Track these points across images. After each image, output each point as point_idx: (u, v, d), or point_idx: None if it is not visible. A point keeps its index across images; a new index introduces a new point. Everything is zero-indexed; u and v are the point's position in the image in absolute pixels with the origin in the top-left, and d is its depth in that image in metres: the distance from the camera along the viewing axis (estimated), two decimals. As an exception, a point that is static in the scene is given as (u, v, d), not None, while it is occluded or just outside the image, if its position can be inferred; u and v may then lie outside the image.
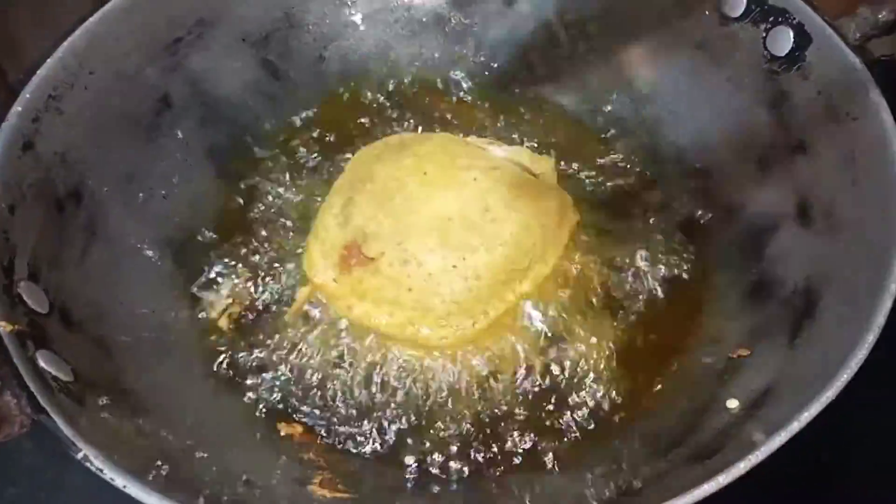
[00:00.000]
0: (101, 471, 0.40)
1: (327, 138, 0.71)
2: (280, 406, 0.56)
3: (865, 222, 0.52)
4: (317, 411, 0.56)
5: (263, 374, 0.57)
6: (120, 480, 0.39)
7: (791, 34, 0.59)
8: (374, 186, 0.62)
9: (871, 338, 0.44)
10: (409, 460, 0.53)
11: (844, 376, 0.42)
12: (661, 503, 0.38)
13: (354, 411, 0.56)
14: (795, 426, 0.40)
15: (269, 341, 0.59)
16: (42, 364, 0.44)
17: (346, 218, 0.61)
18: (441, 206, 0.60)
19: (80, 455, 0.40)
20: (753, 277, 0.58)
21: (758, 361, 0.52)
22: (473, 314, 0.58)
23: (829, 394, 0.41)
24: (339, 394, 0.56)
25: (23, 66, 0.56)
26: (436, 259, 0.58)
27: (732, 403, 0.49)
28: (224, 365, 0.58)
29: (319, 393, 0.56)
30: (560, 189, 0.66)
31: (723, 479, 0.39)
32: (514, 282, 0.60)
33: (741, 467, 0.39)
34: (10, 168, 0.51)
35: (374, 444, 0.54)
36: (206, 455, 0.47)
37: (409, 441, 0.54)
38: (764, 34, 0.61)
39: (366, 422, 0.55)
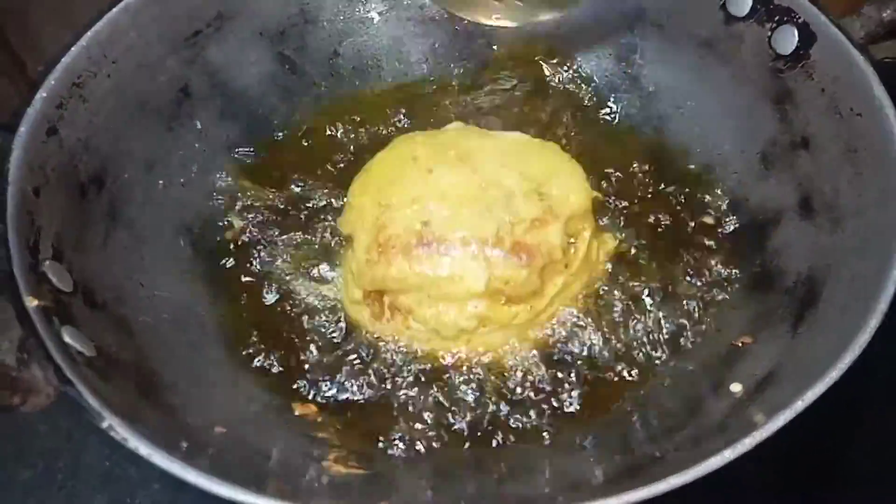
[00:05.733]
0: (126, 440, 0.41)
1: (342, 133, 0.73)
2: (296, 386, 0.57)
3: (868, 214, 0.53)
4: (332, 393, 0.57)
5: (281, 355, 0.59)
6: (144, 450, 0.40)
7: (796, 33, 0.61)
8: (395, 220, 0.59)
9: (874, 322, 0.45)
10: (420, 439, 0.54)
11: (848, 358, 0.43)
12: (665, 477, 0.39)
13: (368, 393, 0.57)
14: (800, 405, 0.41)
15: (287, 323, 0.61)
16: (67, 339, 0.45)
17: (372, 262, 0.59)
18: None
19: (104, 424, 0.41)
20: (756, 268, 0.60)
21: (761, 348, 0.53)
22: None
23: (833, 374, 0.42)
24: (353, 376, 0.58)
25: (43, 59, 0.57)
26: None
27: (736, 388, 0.50)
28: (242, 346, 0.59)
29: (335, 375, 0.58)
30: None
31: (729, 454, 0.40)
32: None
33: (747, 443, 0.40)
34: (34, 152, 0.52)
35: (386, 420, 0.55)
36: (224, 431, 0.48)
37: (421, 419, 0.55)
38: (769, 33, 0.63)
39: (379, 402, 0.56)
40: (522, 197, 0.58)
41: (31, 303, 0.45)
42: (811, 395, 0.42)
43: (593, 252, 0.61)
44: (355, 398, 0.57)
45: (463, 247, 0.56)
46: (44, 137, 0.53)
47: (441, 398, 0.56)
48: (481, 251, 0.56)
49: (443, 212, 0.57)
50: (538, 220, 0.57)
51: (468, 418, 0.55)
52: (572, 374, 0.57)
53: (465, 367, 0.58)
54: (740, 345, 0.54)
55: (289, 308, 0.61)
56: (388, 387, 0.57)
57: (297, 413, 0.55)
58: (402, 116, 0.74)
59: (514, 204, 0.57)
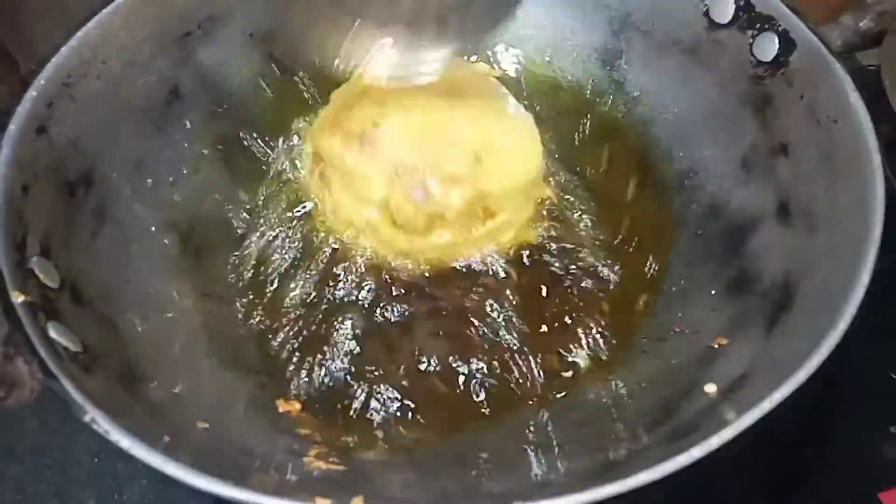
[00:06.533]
0: (108, 433, 0.42)
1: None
2: (279, 384, 0.58)
3: (842, 220, 0.54)
4: (314, 391, 0.58)
5: (266, 352, 0.60)
6: (126, 442, 0.41)
7: (776, 40, 0.62)
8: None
9: (842, 326, 0.45)
10: (400, 435, 0.55)
11: (817, 360, 0.44)
12: (633, 475, 0.40)
13: (350, 389, 0.58)
14: (767, 405, 0.42)
15: (273, 321, 0.61)
16: (53, 334, 0.46)
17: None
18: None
19: (87, 418, 0.42)
20: (733, 272, 0.60)
21: (736, 350, 0.54)
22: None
23: (801, 376, 0.43)
24: (334, 374, 0.59)
25: (35, 58, 0.57)
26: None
27: (710, 388, 0.51)
28: (227, 343, 0.59)
29: (318, 373, 0.59)
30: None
31: (696, 453, 0.41)
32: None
33: (713, 442, 0.41)
34: (23, 150, 0.53)
35: (367, 421, 0.56)
36: (207, 426, 0.49)
37: (399, 415, 0.56)
38: (751, 40, 0.64)
39: (360, 398, 0.57)
40: (461, 151, 0.61)
41: (18, 298, 0.46)
42: (779, 396, 0.42)
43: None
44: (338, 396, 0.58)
45: (387, 159, 0.61)
46: (33, 136, 0.54)
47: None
48: (395, 171, 0.61)
49: (396, 125, 0.62)
50: (455, 176, 0.61)
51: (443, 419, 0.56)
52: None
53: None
54: (716, 346, 0.55)
55: (276, 305, 0.62)
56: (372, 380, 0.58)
57: (280, 410, 0.56)
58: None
59: (451, 152, 0.61)
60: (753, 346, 0.53)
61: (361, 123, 0.63)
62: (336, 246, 0.65)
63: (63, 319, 0.48)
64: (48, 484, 0.62)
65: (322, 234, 0.66)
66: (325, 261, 0.64)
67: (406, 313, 0.62)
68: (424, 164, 0.61)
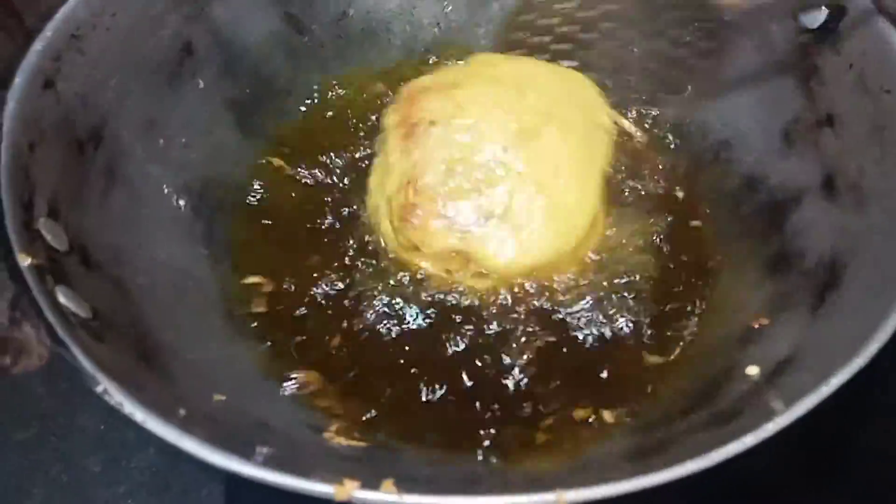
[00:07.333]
0: (121, 405, 0.39)
1: (346, 94, 0.72)
2: (299, 353, 0.56)
3: (894, 195, 0.51)
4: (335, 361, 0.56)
5: (285, 320, 0.58)
6: (140, 415, 0.39)
7: (825, 6, 0.58)
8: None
9: (902, 307, 0.43)
10: (425, 408, 0.53)
11: (874, 346, 0.41)
12: (683, 461, 0.38)
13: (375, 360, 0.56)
14: (824, 391, 0.40)
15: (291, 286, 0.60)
16: (61, 299, 0.43)
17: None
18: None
19: (99, 388, 0.39)
20: (774, 248, 0.58)
21: (778, 330, 0.52)
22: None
23: (859, 361, 0.41)
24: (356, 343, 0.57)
25: (40, 10, 0.54)
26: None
27: (752, 370, 0.48)
28: (243, 311, 0.57)
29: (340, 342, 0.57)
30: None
31: (749, 441, 0.38)
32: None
33: (769, 429, 0.39)
34: (29, 106, 0.50)
35: (389, 392, 0.54)
36: (223, 398, 0.47)
37: (426, 392, 0.54)
38: (797, 5, 0.60)
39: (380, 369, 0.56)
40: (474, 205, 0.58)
41: (25, 261, 0.43)
42: (836, 381, 0.40)
43: None
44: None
45: (412, 163, 0.60)
46: (39, 91, 0.51)
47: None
48: (409, 179, 0.59)
49: (445, 137, 0.59)
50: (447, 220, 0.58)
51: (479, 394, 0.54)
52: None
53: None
54: (756, 326, 0.53)
55: (295, 272, 0.60)
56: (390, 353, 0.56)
57: (299, 381, 0.54)
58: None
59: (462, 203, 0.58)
60: (798, 327, 0.50)
61: (424, 115, 0.60)
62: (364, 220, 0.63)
63: (72, 284, 0.45)
64: (54, 450, 0.60)
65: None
66: (354, 234, 0.63)
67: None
68: (433, 191, 0.58)
